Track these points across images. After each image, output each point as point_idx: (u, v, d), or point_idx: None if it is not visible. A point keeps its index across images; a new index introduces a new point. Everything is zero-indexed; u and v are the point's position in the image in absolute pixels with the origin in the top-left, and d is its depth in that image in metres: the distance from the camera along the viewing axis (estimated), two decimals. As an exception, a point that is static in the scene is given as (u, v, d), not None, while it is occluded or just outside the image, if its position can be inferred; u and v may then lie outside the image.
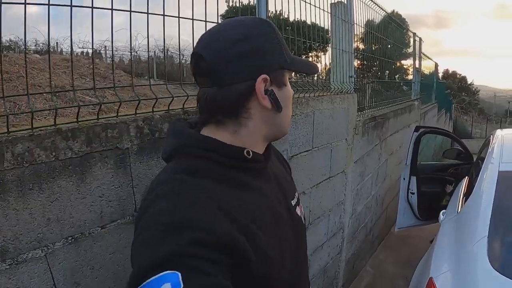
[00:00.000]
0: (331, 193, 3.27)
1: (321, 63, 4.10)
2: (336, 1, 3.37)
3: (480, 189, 2.53)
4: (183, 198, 0.82)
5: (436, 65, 12.74)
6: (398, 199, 4.77)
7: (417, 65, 7.93)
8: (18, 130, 1.13)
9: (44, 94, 4.64)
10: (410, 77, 8.13)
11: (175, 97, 1.52)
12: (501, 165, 2.61)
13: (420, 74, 8.23)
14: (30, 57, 6.80)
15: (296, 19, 2.60)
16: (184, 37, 1.70)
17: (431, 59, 11.22)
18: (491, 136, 3.73)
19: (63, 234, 1.20)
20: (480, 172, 2.78)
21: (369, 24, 4.71)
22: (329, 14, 3.21)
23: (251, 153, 0.95)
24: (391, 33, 6.06)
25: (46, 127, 1.17)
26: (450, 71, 44.86)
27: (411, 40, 7.99)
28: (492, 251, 1.90)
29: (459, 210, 2.73)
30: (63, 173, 1.18)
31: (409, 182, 4.62)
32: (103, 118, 1.29)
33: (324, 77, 3.99)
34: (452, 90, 31.89)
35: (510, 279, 1.73)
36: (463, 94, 40.14)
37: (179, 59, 2.01)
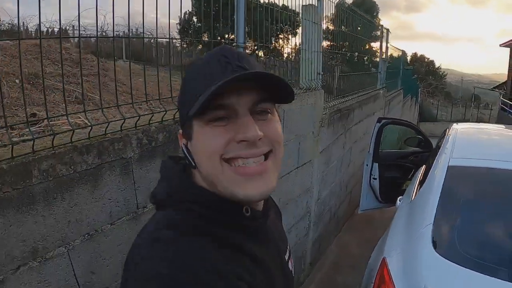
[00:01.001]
0: (299, 182, 3.60)
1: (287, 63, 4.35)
2: (307, 4, 3.62)
3: (430, 180, 2.81)
4: (177, 265, 0.75)
5: (404, 53, 13.17)
6: (362, 183, 5.10)
7: (383, 56, 8.27)
8: (42, 149, 1.38)
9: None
10: (378, 75, 8.43)
11: (168, 110, 1.79)
12: (450, 160, 2.88)
13: (386, 64, 8.58)
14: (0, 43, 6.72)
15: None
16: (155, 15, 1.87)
17: (398, 49, 11.62)
18: (447, 129, 4.01)
19: (81, 232, 1.47)
20: (433, 165, 3.08)
21: (339, 5, 4.99)
22: (300, 17, 3.49)
23: (249, 210, 0.89)
24: (361, 20, 6.35)
25: (64, 145, 1.43)
26: (419, 55, 45.75)
27: (379, 27, 8.30)
28: (435, 237, 2.21)
29: (413, 197, 3.01)
30: (80, 182, 1.45)
31: (371, 168, 4.94)
32: (110, 133, 1.55)
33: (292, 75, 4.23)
34: (419, 74, 32.53)
35: (449, 261, 2.03)
36: (430, 78, 40.97)
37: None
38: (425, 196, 2.66)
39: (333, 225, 5.37)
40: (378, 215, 5.79)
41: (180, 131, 0.93)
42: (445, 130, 4.10)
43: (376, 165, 4.95)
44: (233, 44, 2.65)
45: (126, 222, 1.63)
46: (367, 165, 5.01)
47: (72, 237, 1.45)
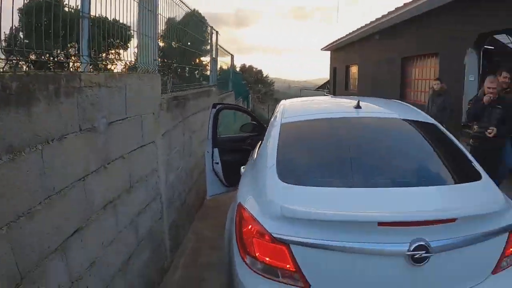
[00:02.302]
0: (145, 160, 3.78)
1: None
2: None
3: (268, 137, 3.46)
4: None
5: (232, 57, 13.97)
6: (206, 170, 5.39)
7: (213, 55, 8.78)
8: None
9: None
10: (209, 73, 8.95)
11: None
12: (282, 120, 3.59)
13: (216, 63, 9.11)
14: None
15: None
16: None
17: (227, 52, 12.35)
18: (278, 104, 4.67)
19: None
20: (268, 126, 3.82)
21: (170, 21, 5.28)
22: (137, 4, 3.71)
23: None
24: (192, 30, 6.67)
25: None
26: (247, 66, 48.32)
27: (209, 34, 8.78)
28: (279, 171, 2.81)
29: (255, 157, 3.67)
30: None
31: (212, 154, 5.26)
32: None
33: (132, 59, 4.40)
34: (249, 83, 34.47)
35: (293, 184, 2.68)
36: (259, 86, 43.63)
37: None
38: (266, 149, 3.27)
39: (185, 213, 5.62)
40: (227, 201, 6.05)
41: None
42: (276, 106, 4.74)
43: (216, 150, 5.27)
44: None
45: None
46: (208, 152, 5.30)
47: None
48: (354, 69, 22.84)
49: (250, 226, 2.54)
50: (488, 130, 5.74)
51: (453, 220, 2.32)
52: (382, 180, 2.86)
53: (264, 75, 49.39)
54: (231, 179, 5.26)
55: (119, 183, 3.16)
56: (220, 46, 9.68)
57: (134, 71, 3.64)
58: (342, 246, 2.30)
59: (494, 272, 2.50)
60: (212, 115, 5.18)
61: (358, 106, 3.69)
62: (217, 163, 5.31)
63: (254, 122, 5.92)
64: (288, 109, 4.05)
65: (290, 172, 2.92)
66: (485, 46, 10.81)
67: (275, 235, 2.38)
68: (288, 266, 2.36)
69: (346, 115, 3.71)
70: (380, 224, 2.28)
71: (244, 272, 2.53)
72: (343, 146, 3.30)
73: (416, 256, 2.27)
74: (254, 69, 48.71)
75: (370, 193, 2.68)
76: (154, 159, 4.06)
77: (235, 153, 5.38)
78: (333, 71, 27.76)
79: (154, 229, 4.04)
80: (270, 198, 2.62)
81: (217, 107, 5.22)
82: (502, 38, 16.00)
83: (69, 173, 2.38)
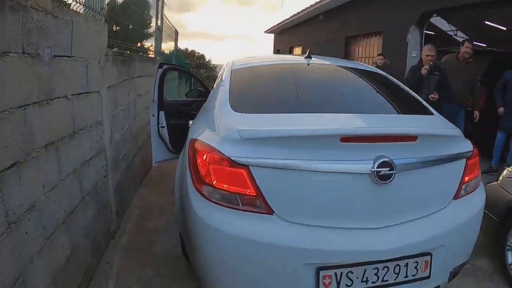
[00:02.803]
0: (89, 108, 3.58)
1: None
2: None
3: (220, 82, 3.56)
4: None
5: (177, 32, 13.66)
6: (151, 135, 5.18)
7: (159, 24, 8.54)
8: None
9: None
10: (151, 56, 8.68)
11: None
12: (233, 67, 3.70)
13: (162, 33, 8.88)
14: None
15: None
16: None
17: (172, 25, 12.07)
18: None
19: None
20: (219, 75, 3.91)
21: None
22: None
23: None
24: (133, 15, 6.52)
25: None
26: (190, 50, 47.80)
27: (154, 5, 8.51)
28: (232, 104, 2.87)
29: (205, 105, 3.70)
30: None
31: (158, 117, 5.05)
32: None
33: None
34: (192, 67, 34.07)
35: (246, 113, 2.73)
36: (202, 70, 43.38)
37: None
38: (217, 91, 3.36)
39: (131, 177, 5.44)
40: (173, 168, 5.95)
41: None
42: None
43: (162, 113, 5.06)
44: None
45: None
46: (153, 115, 5.07)
47: None
48: (297, 50, 23.12)
49: (205, 156, 2.45)
50: (432, 95, 6.02)
51: (414, 138, 2.39)
52: (340, 107, 2.94)
53: (207, 60, 49.14)
54: (178, 144, 4.98)
55: (62, 124, 2.94)
56: (165, 16, 9.44)
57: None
58: (304, 165, 2.28)
59: (455, 197, 2.62)
60: (158, 75, 4.97)
61: (308, 56, 3.72)
62: (163, 127, 5.09)
63: (200, 88, 5.80)
64: (238, 61, 4.09)
65: (244, 104, 2.93)
66: (426, 31, 11.24)
67: (233, 158, 2.31)
68: (248, 191, 2.30)
69: (298, 61, 3.83)
70: (343, 139, 2.28)
71: (200, 205, 2.42)
72: (299, 84, 3.35)
73: (381, 173, 2.30)
74: (196, 54, 48.28)
75: (330, 116, 2.73)
76: (99, 111, 3.86)
77: (183, 118, 5.19)
78: (277, 53, 28.01)
79: (99, 187, 3.85)
80: (225, 125, 2.62)
81: (163, 67, 5.03)
82: (443, 25, 16.77)
83: (9, 96, 2.15)
